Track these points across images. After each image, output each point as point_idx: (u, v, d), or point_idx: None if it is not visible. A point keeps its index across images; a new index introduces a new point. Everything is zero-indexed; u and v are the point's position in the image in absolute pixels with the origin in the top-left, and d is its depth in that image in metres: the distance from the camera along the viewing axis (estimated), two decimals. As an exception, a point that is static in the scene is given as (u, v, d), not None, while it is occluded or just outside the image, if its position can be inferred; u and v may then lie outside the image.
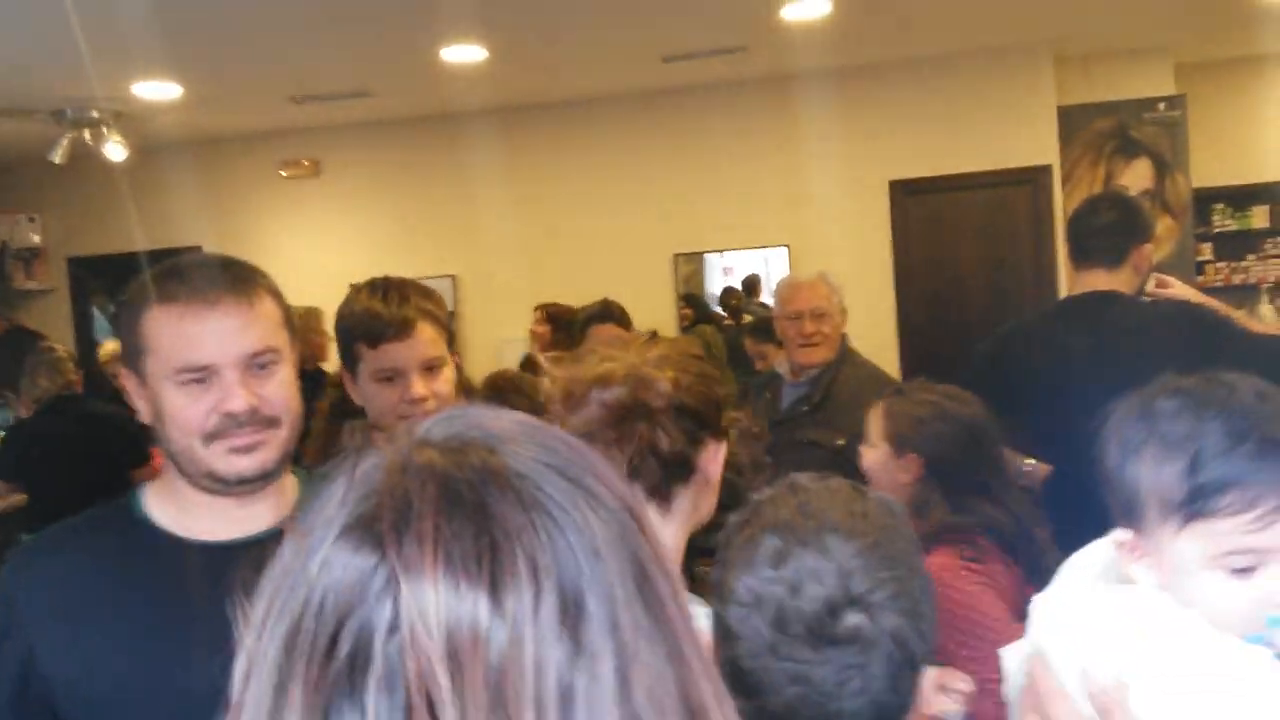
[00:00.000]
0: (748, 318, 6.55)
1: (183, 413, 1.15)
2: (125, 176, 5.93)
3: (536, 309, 4.95)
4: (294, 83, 5.75)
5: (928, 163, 6.15)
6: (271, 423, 1.17)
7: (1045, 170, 6.12)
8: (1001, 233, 6.18)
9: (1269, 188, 6.95)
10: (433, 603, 0.44)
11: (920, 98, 6.15)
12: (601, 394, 1.16)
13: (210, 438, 1.15)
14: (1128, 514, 0.87)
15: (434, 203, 6.78)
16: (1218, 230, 7.05)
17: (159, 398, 1.16)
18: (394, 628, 0.44)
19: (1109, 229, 2.59)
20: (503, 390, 2.87)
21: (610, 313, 3.58)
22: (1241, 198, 7.03)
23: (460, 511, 0.46)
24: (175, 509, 1.21)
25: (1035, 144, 6.11)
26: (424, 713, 0.42)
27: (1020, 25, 5.68)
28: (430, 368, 1.60)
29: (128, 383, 1.21)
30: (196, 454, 1.15)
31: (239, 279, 1.18)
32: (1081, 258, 2.60)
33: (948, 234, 6.24)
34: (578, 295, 4.82)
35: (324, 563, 0.47)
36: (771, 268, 6.57)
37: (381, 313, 1.57)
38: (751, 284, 7.08)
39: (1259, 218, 7.04)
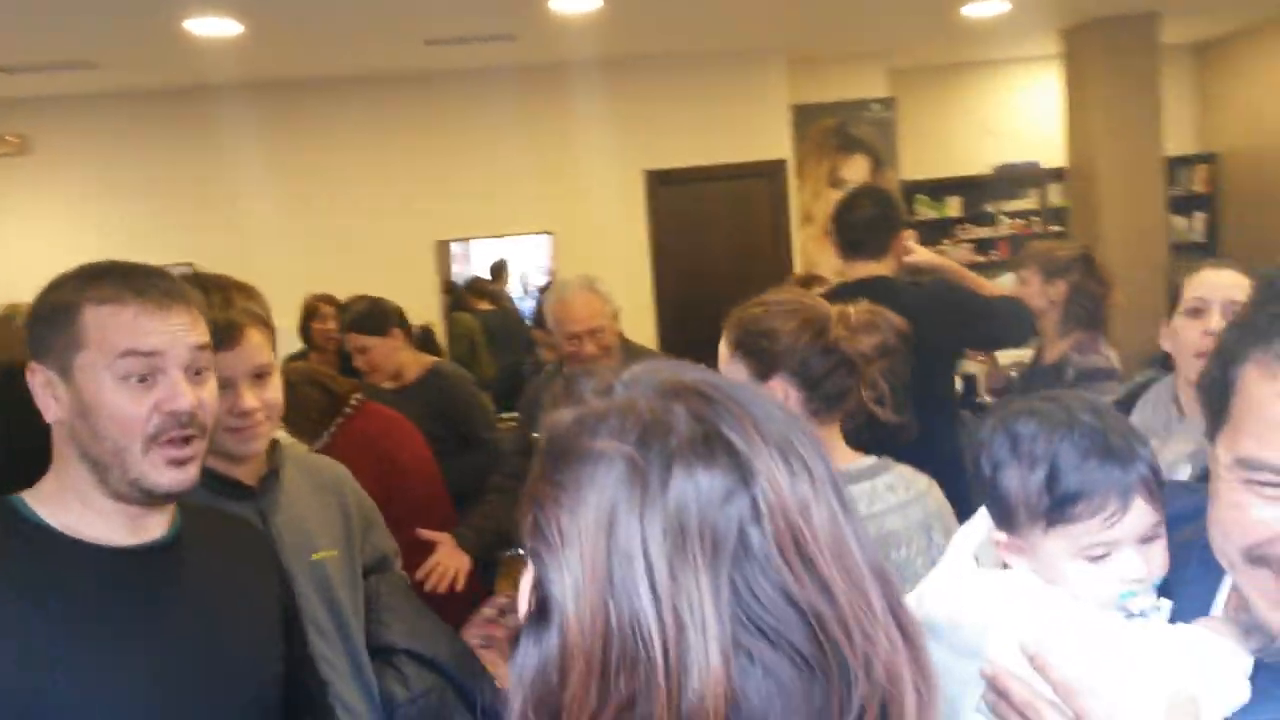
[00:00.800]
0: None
1: (123, 411, 1.11)
2: None
3: (321, 302, 4.59)
4: (2, 50, 5.14)
5: (681, 154, 6.50)
6: (203, 432, 1.16)
7: (781, 164, 6.65)
8: (746, 221, 6.66)
9: (961, 181, 7.94)
10: (783, 486, 0.62)
11: (675, 92, 6.49)
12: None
13: (150, 441, 1.12)
14: (1002, 518, 1.03)
15: (171, 185, 6.28)
16: (920, 219, 7.95)
17: (94, 394, 1.11)
18: (758, 511, 0.61)
19: (872, 222, 2.88)
20: (295, 383, 2.73)
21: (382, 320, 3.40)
22: (939, 190, 7.97)
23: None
24: (74, 514, 1.15)
25: (772, 139, 6.63)
26: (795, 559, 0.60)
27: (759, 29, 6.13)
28: (259, 375, 1.54)
29: (36, 379, 1.14)
30: (130, 458, 1.12)
31: (179, 287, 1.19)
32: (850, 250, 2.86)
33: (699, 222, 6.63)
34: (337, 284, 4.69)
35: (681, 479, 0.61)
36: (534, 255, 6.70)
37: (209, 316, 1.49)
38: (497, 270, 7.17)
39: (953, 207, 8.03)
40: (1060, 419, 1.01)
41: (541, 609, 0.62)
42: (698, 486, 0.60)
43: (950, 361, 3.00)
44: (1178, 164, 7.69)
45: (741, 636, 0.58)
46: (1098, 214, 6.65)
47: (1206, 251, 8.07)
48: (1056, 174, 7.56)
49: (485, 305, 6.71)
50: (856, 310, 1.66)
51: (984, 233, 7.99)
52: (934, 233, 7.98)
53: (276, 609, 1.34)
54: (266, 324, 1.58)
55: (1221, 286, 1.79)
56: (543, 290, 6.59)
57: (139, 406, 1.11)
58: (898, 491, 1.62)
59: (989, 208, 8.05)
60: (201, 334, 1.18)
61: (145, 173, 6.26)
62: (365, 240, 6.24)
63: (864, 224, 2.87)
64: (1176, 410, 1.86)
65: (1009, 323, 2.91)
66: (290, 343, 4.72)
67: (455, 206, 6.44)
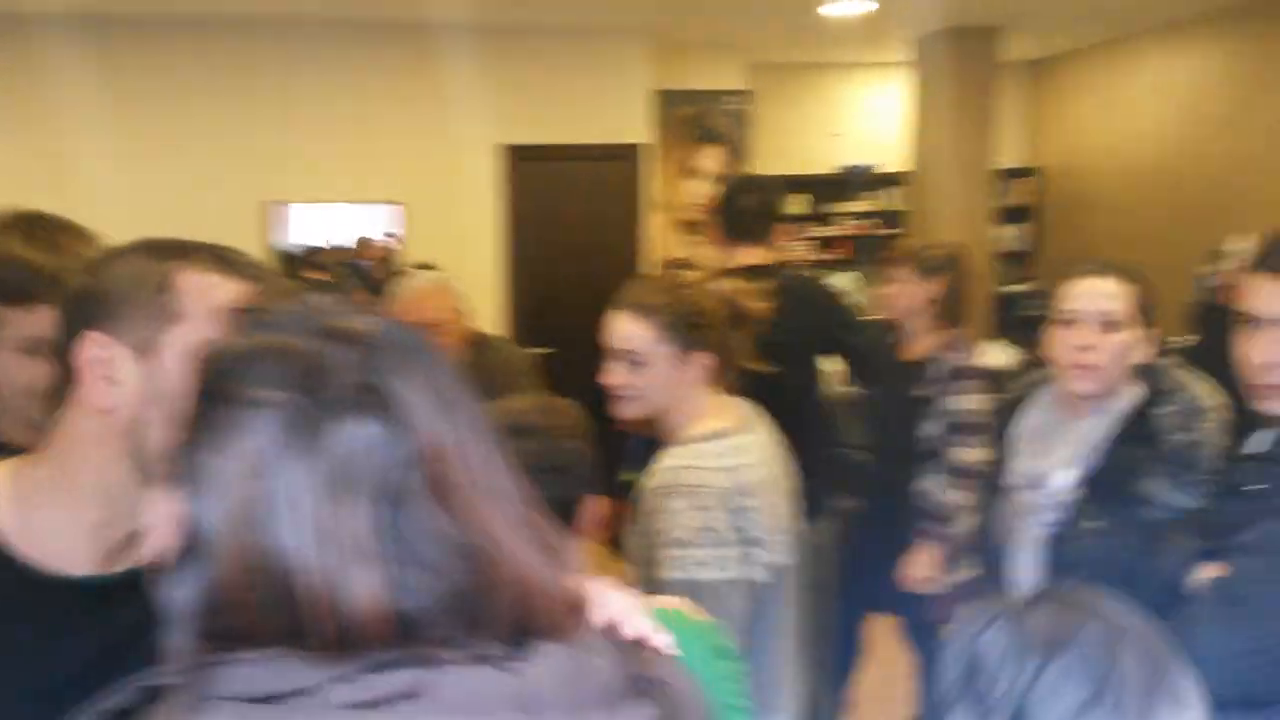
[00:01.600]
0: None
1: None
2: None
3: None
4: None
5: (540, 130, 6.36)
6: None
7: (640, 148, 6.62)
8: (601, 204, 6.60)
9: (810, 179, 8.14)
10: (440, 434, 0.66)
11: (538, 66, 6.33)
12: None
13: None
14: None
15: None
16: (771, 212, 8.10)
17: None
18: (416, 458, 0.65)
19: (757, 210, 2.92)
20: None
21: None
22: (790, 186, 8.12)
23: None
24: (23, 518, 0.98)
25: (632, 123, 6.57)
26: (453, 500, 0.65)
27: (624, 7, 6.06)
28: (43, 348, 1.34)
29: (90, 352, 0.96)
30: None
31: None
32: (736, 235, 2.88)
33: (555, 201, 6.52)
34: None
35: (340, 428, 0.64)
36: (382, 225, 6.41)
37: (35, 263, 1.27)
38: (364, 244, 6.74)
39: (801, 204, 8.22)
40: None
41: (192, 544, 0.63)
42: (355, 435, 0.63)
43: (816, 352, 3.05)
44: (1007, 176, 8.13)
45: (407, 571, 0.62)
46: (933, 220, 6.95)
47: (1028, 261, 8.60)
48: (898, 179, 7.86)
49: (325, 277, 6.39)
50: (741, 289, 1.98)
51: (827, 231, 8.23)
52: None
53: None
54: None
55: (1092, 297, 1.80)
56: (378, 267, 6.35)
57: None
58: (753, 451, 1.84)
59: (833, 207, 8.29)
60: None
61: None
62: (193, 199, 5.79)
63: (749, 211, 2.90)
64: (1060, 411, 1.91)
65: (871, 351, 3.05)
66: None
67: (294, 167, 6.06)
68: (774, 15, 6.48)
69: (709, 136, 7.11)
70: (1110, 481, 1.77)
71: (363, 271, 6.30)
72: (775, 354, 2.26)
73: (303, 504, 0.61)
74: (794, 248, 8.15)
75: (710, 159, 7.13)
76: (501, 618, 0.65)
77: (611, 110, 6.51)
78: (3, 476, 0.99)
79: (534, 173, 6.44)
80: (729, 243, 2.89)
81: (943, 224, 6.82)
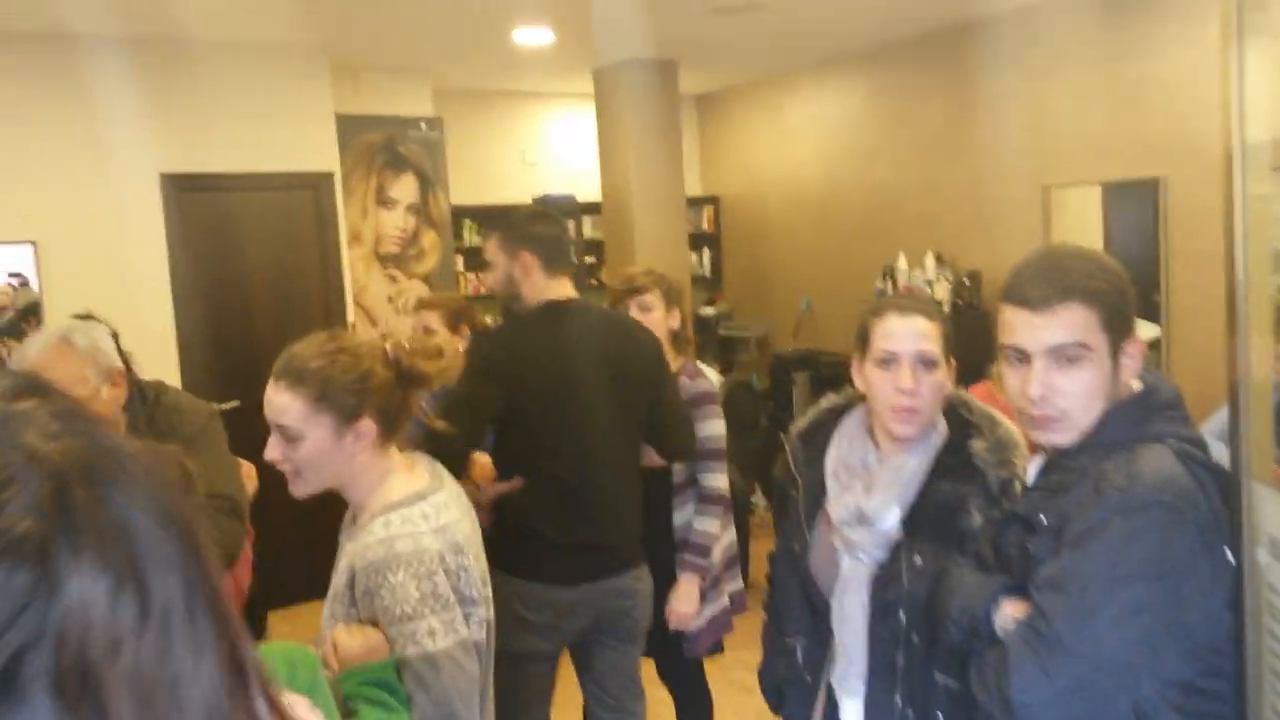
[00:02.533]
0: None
1: None
2: None
3: None
4: None
5: (207, 158, 5.69)
6: None
7: (328, 177, 6.13)
8: (289, 237, 6.03)
9: (507, 209, 8.00)
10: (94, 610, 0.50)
11: (202, 85, 5.64)
12: None
13: None
14: None
15: None
16: (468, 245, 7.88)
17: None
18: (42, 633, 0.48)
19: (565, 241, 2.81)
20: None
21: None
22: (487, 216, 7.97)
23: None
24: None
25: (317, 150, 6.08)
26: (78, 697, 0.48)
27: (298, 25, 5.58)
28: None
29: None
30: None
31: None
32: (553, 267, 2.71)
33: (232, 236, 5.86)
34: None
35: None
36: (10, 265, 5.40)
37: None
38: None
39: (498, 233, 8.07)
40: None
41: None
42: None
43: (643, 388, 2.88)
44: (690, 204, 8.51)
45: None
46: (631, 248, 7.08)
47: (714, 285, 9.05)
48: (594, 208, 7.94)
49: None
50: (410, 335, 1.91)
51: (527, 259, 8.14)
52: (480, 260, 7.96)
53: None
54: None
55: (910, 337, 1.78)
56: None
57: None
58: (451, 509, 1.77)
59: (531, 235, 8.22)
60: None
61: None
62: None
63: (561, 241, 2.78)
64: (874, 445, 1.86)
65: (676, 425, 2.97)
66: None
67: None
68: (462, 42, 6.30)
69: (401, 164, 6.76)
70: (932, 518, 1.75)
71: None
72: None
73: None
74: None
75: (404, 188, 6.78)
76: None
77: (294, 136, 5.97)
78: None
79: (206, 204, 5.75)
80: (549, 273, 2.71)
81: (642, 252, 6.96)
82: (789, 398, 7.18)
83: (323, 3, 5.20)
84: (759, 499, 6.49)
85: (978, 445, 1.77)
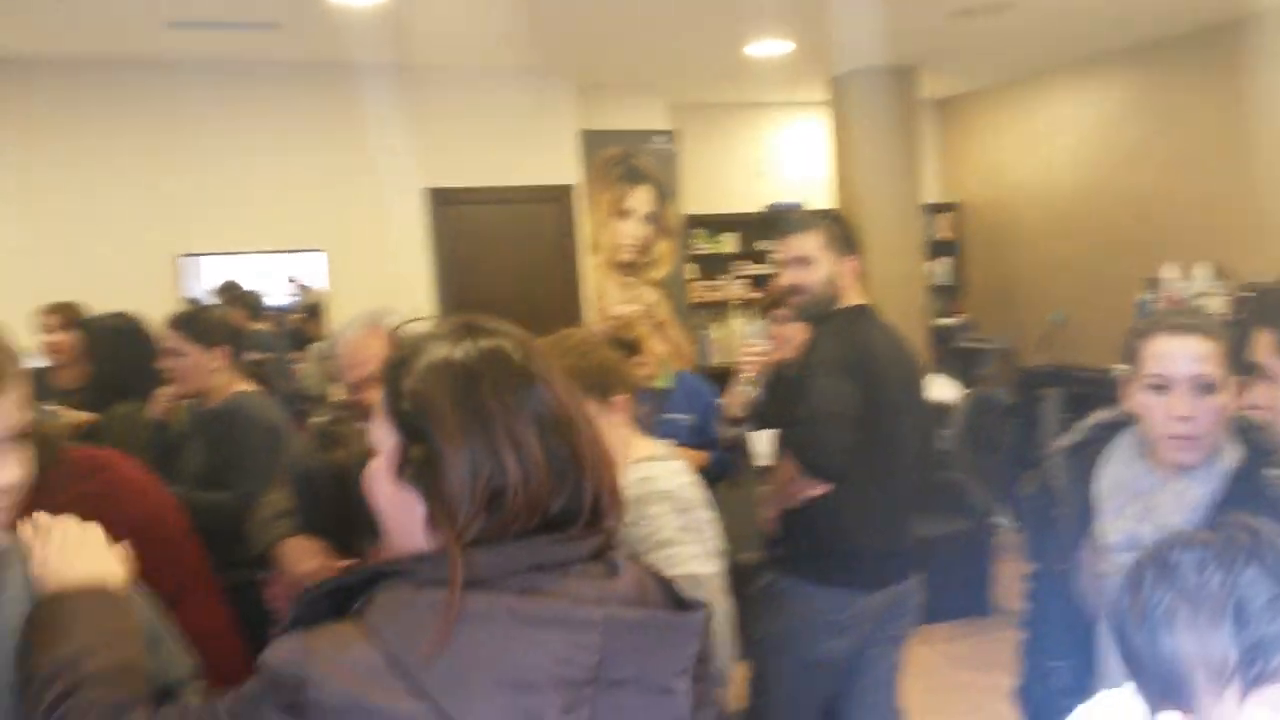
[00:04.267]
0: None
1: None
2: None
3: (50, 312, 3.79)
4: None
5: (465, 174, 6.12)
6: None
7: (569, 189, 6.43)
8: (533, 246, 6.38)
9: (737, 218, 8.08)
10: None
11: (461, 108, 6.10)
12: None
13: None
14: (1171, 692, 0.77)
15: None
16: (698, 253, 8.01)
17: None
18: None
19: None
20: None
21: None
22: (717, 225, 8.07)
23: None
24: None
25: (560, 164, 6.40)
26: None
27: (548, 50, 5.91)
28: (15, 439, 1.12)
29: None
30: None
31: None
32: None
33: (484, 245, 6.27)
34: (64, 298, 3.93)
35: None
36: (305, 272, 6.04)
37: None
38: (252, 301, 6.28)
39: (729, 243, 8.15)
40: (1238, 543, 0.77)
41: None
42: None
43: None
44: (927, 211, 8.22)
45: None
46: (865, 256, 6.92)
47: (954, 294, 8.69)
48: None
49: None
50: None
51: (758, 269, 8.16)
52: (712, 267, 8.06)
53: None
54: (26, 379, 1.13)
55: (1185, 359, 1.61)
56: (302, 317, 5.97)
57: None
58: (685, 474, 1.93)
59: (762, 245, 8.23)
60: None
61: None
62: (99, 250, 5.38)
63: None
64: (1152, 467, 1.73)
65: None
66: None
67: (205, 216, 5.69)
68: (696, 57, 6.43)
69: (637, 177, 6.98)
70: None
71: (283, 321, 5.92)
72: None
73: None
74: (725, 286, 8.07)
75: (640, 199, 6.99)
76: None
77: (539, 151, 6.32)
78: None
79: (462, 216, 6.19)
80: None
81: (876, 260, 6.79)
82: (1035, 414, 6.78)
83: (569, 28, 5.48)
84: (1003, 518, 6.16)
85: (1274, 471, 1.58)
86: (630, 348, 2.04)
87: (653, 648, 0.94)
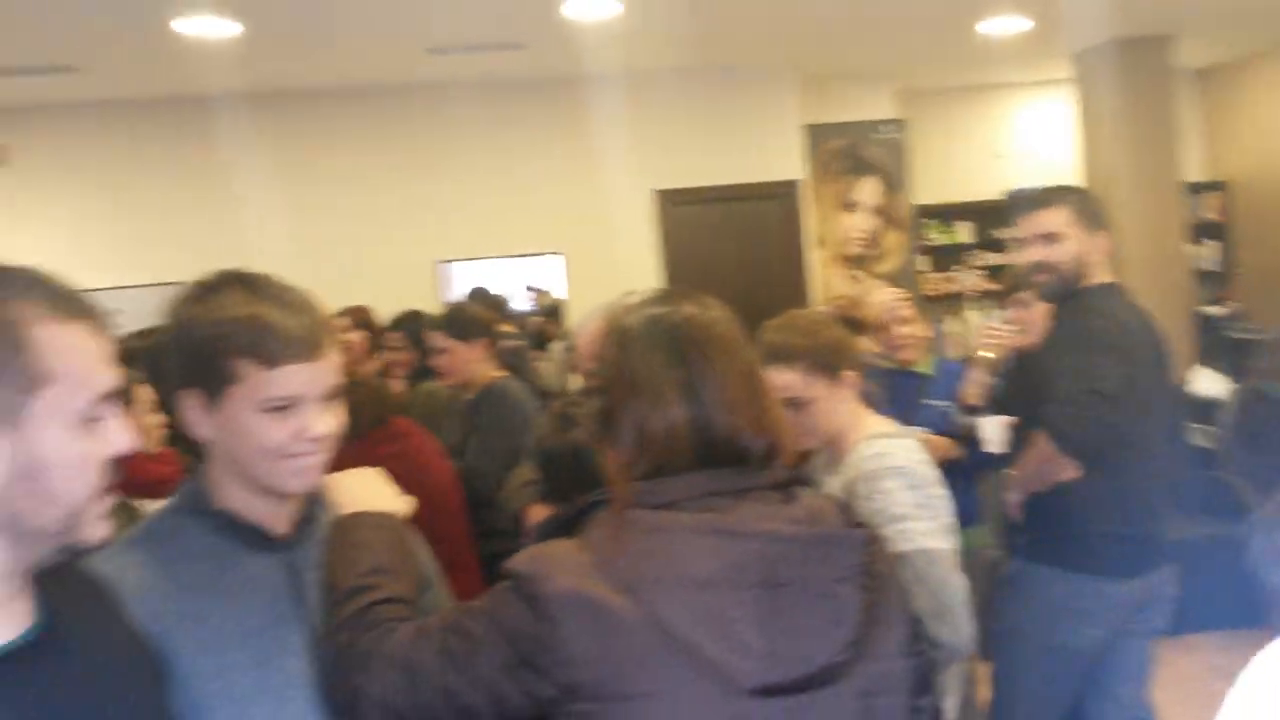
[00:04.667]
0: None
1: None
2: None
3: (343, 314, 4.29)
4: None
5: (691, 174, 6.27)
6: None
7: (793, 185, 6.43)
8: (759, 243, 6.42)
9: (972, 206, 7.76)
10: None
11: (687, 109, 6.27)
12: None
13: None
14: None
15: (159, 198, 5.97)
16: (930, 244, 7.76)
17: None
18: None
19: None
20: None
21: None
22: (950, 214, 7.79)
23: None
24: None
25: (784, 160, 6.41)
26: None
27: (772, 45, 5.94)
28: (330, 398, 1.28)
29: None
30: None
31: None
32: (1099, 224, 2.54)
33: (711, 243, 6.38)
34: (334, 302, 4.37)
35: None
36: (545, 276, 6.41)
37: (282, 323, 1.23)
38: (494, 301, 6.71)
39: (964, 233, 7.84)
40: None
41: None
42: None
43: None
44: (1190, 191, 7.55)
45: None
46: (1120, 239, 6.45)
47: (1221, 281, 7.93)
48: (1069, 199, 7.38)
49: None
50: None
51: (996, 259, 7.79)
52: (945, 259, 7.79)
53: (155, 677, 1.11)
54: (335, 337, 1.32)
55: None
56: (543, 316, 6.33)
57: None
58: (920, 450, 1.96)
59: (1000, 234, 7.85)
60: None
61: (131, 186, 5.94)
62: (364, 257, 5.96)
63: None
64: None
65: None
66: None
67: (457, 225, 6.17)
68: (926, 40, 6.23)
69: (864, 168, 6.86)
70: None
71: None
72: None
73: None
74: (959, 278, 7.77)
75: (868, 191, 6.87)
76: None
77: (764, 148, 6.36)
78: None
79: (689, 216, 6.33)
80: (1095, 232, 2.53)
81: (1131, 243, 6.33)
82: (1318, 411, 6.06)
83: (793, 22, 5.49)
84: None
85: None
86: (857, 326, 2.05)
87: (813, 558, 1.12)
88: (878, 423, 2.00)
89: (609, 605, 1.06)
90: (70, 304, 0.92)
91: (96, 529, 0.92)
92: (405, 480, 1.53)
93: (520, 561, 1.14)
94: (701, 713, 1.06)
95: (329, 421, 1.26)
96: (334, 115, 6.09)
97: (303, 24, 4.80)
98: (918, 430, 3.10)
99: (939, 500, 1.87)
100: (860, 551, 1.15)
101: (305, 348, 1.21)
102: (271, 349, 1.18)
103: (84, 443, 0.89)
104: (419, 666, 1.12)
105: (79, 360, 0.90)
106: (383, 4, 4.57)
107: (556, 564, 1.11)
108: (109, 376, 0.93)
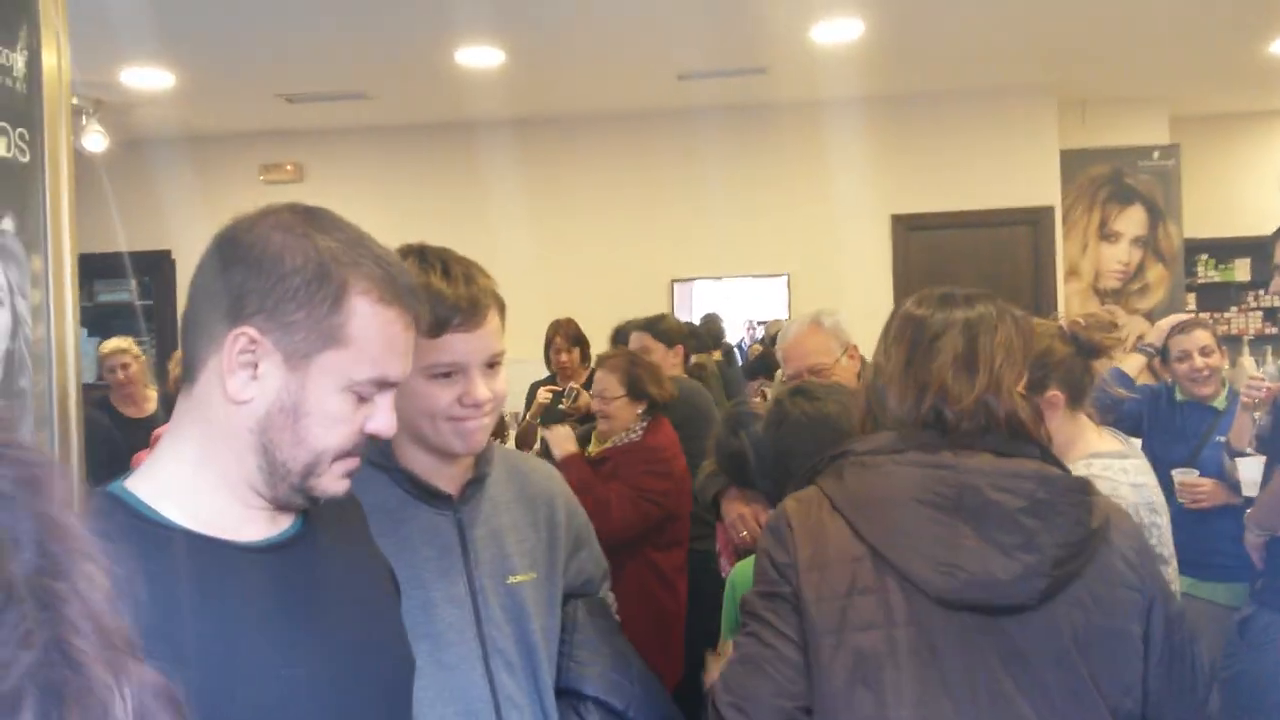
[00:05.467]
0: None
1: (338, 423, 0.99)
2: (101, 172, 5.60)
3: (559, 334, 4.50)
4: (286, 79, 5.50)
5: (931, 198, 6.11)
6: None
7: (1048, 211, 6.12)
8: (1003, 271, 6.15)
9: (1252, 241, 7.05)
10: None
11: (928, 132, 6.13)
12: None
13: (340, 455, 1.00)
14: None
15: (430, 216, 6.53)
16: (1202, 281, 7.13)
17: (316, 395, 0.97)
18: None
19: None
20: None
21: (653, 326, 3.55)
22: (1226, 250, 7.13)
23: None
24: (206, 509, 0.98)
25: (1038, 185, 6.11)
26: None
27: (1028, 67, 5.70)
28: (493, 364, 1.36)
29: (240, 345, 0.95)
30: (320, 467, 0.99)
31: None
32: None
33: (949, 270, 6.17)
34: (575, 317, 4.61)
35: None
36: (769, 297, 6.44)
37: (446, 293, 1.31)
38: (711, 321, 6.74)
39: (1241, 270, 7.15)
40: None
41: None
42: None
43: None
44: None
45: None
46: None
47: None
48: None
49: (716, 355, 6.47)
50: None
51: (1276, 300, 7.04)
52: (1218, 298, 7.13)
53: (393, 587, 1.20)
54: (503, 307, 1.41)
55: None
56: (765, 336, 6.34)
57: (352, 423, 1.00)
58: (1147, 473, 1.93)
59: (1285, 272, 7.10)
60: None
61: (407, 203, 6.53)
62: (605, 274, 6.23)
63: None
64: None
65: None
66: (538, 370, 4.69)
67: (691, 245, 6.33)
68: (1202, 62, 5.77)
69: (1128, 197, 6.42)
70: None
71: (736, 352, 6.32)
72: None
73: None
74: (1232, 321, 7.10)
75: (1130, 221, 6.42)
76: None
77: (1014, 173, 6.10)
78: (162, 464, 0.99)
79: (929, 241, 6.16)
80: None
81: None
82: None
83: (1055, 42, 5.25)
84: None
85: None
86: (1090, 350, 1.97)
87: (992, 489, 1.26)
88: (1102, 441, 1.94)
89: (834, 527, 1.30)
90: (394, 290, 0.98)
91: (335, 485, 0.99)
92: (660, 471, 1.74)
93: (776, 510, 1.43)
94: (902, 617, 1.24)
95: (493, 386, 1.34)
96: (585, 140, 6.43)
97: (563, 49, 5.12)
98: (1192, 472, 2.93)
99: (1159, 529, 1.83)
100: (1033, 483, 1.27)
101: (467, 316, 1.30)
102: (435, 317, 1.25)
103: (345, 408, 0.96)
104: None
105: (377, 341, 0.96)
106: (636, 32, 4.80)
107: (794, 498, 1.38)
108: (397, 368, 0.98)
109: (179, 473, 0.97)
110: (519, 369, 5.18)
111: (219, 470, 0.97)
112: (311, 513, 1.04)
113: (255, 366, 0.95)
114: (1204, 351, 3.12)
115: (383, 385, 0.98)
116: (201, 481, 0.97)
